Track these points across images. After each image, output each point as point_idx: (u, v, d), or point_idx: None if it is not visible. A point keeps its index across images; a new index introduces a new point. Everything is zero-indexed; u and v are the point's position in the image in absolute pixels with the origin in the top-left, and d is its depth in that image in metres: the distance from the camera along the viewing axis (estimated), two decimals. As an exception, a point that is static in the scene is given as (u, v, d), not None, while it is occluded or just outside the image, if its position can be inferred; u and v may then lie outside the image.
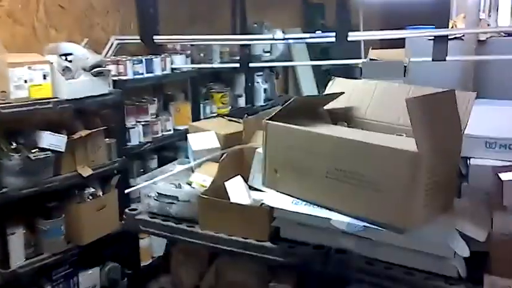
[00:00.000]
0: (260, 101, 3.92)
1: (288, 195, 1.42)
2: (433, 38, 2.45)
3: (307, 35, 2.81)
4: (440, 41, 2.33)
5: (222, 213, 1.53)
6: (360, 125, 1.48)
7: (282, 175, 1.42)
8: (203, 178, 1.71)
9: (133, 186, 2.64)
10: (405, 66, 1.67)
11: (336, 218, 1.30)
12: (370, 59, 1.76)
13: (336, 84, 1.60)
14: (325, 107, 1.55)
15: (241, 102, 3.76)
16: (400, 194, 1.19)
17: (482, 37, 3.90)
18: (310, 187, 1.36)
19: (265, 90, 3.98)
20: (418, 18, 4.28)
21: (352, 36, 2.50)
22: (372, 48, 2.03)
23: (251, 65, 3.22)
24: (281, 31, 2.88)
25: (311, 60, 4.96)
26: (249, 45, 3.23)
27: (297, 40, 2.94)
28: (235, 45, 3.47)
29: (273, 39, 2.82)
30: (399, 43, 2.91)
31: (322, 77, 5.42)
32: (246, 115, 1.89)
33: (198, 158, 1.79)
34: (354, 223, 1.27)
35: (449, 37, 2.65)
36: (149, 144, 3.04)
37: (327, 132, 1.35)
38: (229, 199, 1.53)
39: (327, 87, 1.60)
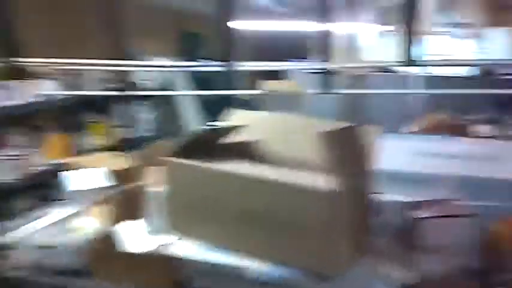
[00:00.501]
0: (143, 132, 3.71)
1: (195, 241, 1.28)
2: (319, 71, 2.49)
3: (196, 63, 2.70)
4: (328, 74, 2.37)
5: (117, 265, 1.33)
6: (266, 161, 1.40)
7: (187, 219, 1.28)
8: (91, 223, 1.49)
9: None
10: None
11: (252, 266, 1.18)
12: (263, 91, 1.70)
13: (235, 117, 1.50)
14: (226, 141, 1.44)
15: (123, 133, 3.52)
16: (321, 236, 1.11)
17: (360, 72, 4.17)
18: (220, 232, 1.23)
19: (147, 120, 3.78)
20: (290, 51, 4.43)
21: (242, 65, 2.44)
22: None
23: (133, 93, 3.01)
24: (166, 59, 2.74)
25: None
26: (130, 72, 3.03)
27: (185, 68, 2.81)
28: (113, 72, 3.24)
29: (160, 66, 2.66)
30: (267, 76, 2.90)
31: (203, 108, 5.35)
32: (133, 149, 1.73)
33: (82, 199, 1.57)
34: (271, 271, 1.17)
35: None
36: (18, 182, 2.67)
37: (234, 170, 1.24)
38: (124, 247, 1.34)
39: (225, 120, 1.50)
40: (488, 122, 2.67)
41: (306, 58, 5.68)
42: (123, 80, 2.97)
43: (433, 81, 3.91)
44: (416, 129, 2.95)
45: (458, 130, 2.44)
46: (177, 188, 1.30)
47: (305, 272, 1.14)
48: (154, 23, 4.42)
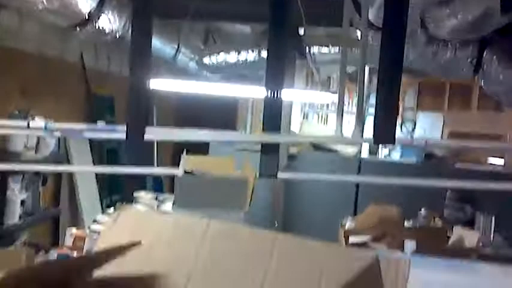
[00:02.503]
0: (14, 218, 2.77)
1: None
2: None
3: (84, 126, 1.94)
4: (271, 154, 1.71)
5: None
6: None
7: None
8: None
9: None
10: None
11: None
12: (185, 172, 1.01)
13: (126, 220, 0.78)
14: (102, 273, 0.71)
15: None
16: None
17: (293, 150, 3.60)
18: None
19: (22, 202, 2.87)
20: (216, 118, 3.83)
21: (152, 132, 1.73)
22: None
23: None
24: (43, 120, 1.95)
25: (94, 164, 4.04)
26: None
27: (69, 133, 2.05)
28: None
29: (29, 127, 1.87)
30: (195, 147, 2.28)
31: (107, 185, 4.51)
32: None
33: None
34: None
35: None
36: None
37: None
38: None
39: (107, 226, 0.77)
40: (461, 221, 2.13)
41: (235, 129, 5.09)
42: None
43: (377, 167, 3.41)
44: (358, 224, 2.34)
45: (433, 236, 1.85)
46: None
47: None
48: (58, 83, 3.67)
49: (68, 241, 1.85)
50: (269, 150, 1.78)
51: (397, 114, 1.62)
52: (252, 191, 1.00)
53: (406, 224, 2.22)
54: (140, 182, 4.85)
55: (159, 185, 5.13)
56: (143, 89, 1.69)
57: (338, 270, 0.57)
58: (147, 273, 0.72)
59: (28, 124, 1.86)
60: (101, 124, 1.88)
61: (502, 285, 0.91)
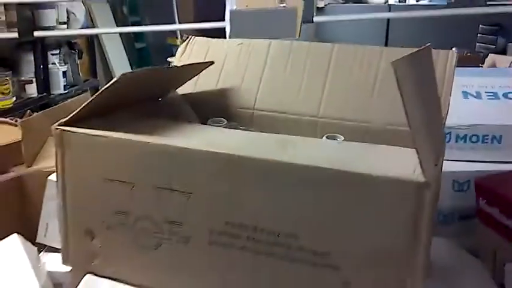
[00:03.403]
0: (59, 88, 2.97)
1: (120, 281, 0.67)
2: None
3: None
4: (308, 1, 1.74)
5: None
6: (250, 121, 0.79)
7: (106, 242, 0.66)
8: None
9: None
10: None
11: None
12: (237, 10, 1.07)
13: (195, 47, 0.87)
14: (179, 91, 0.82)
15: (32, 90, 2.77)
16: (388, 271, 0.54)
17: (320, 4, 3.57)
18: (172, 265, 0.63)
19: (64, 73, 3.03)
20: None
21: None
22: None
23: (37, 34, 2.26)
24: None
25: (121, 37, 4.14)
26: (31, 6, 2.27)
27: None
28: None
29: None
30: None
31: (136, 57, 4.63)
32: (28, 111, 1.11)
33: None
34: None
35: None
36: None
37: (198, 143, 0.62)
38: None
39: (178, 54, 0.86)
40: (494, 51, 2.17)
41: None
42: (25, 17, 2.21)
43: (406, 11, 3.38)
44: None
45: (466, 63, 1.91)
46: (85, 184, 0.67)
47: None
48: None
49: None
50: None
51: None
52: (301, 23, 1.05)
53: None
54: (168, 53, 4.94)
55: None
56: None
57: (391, 58, 0.65)
58: (222, 88, 0.83)
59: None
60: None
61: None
